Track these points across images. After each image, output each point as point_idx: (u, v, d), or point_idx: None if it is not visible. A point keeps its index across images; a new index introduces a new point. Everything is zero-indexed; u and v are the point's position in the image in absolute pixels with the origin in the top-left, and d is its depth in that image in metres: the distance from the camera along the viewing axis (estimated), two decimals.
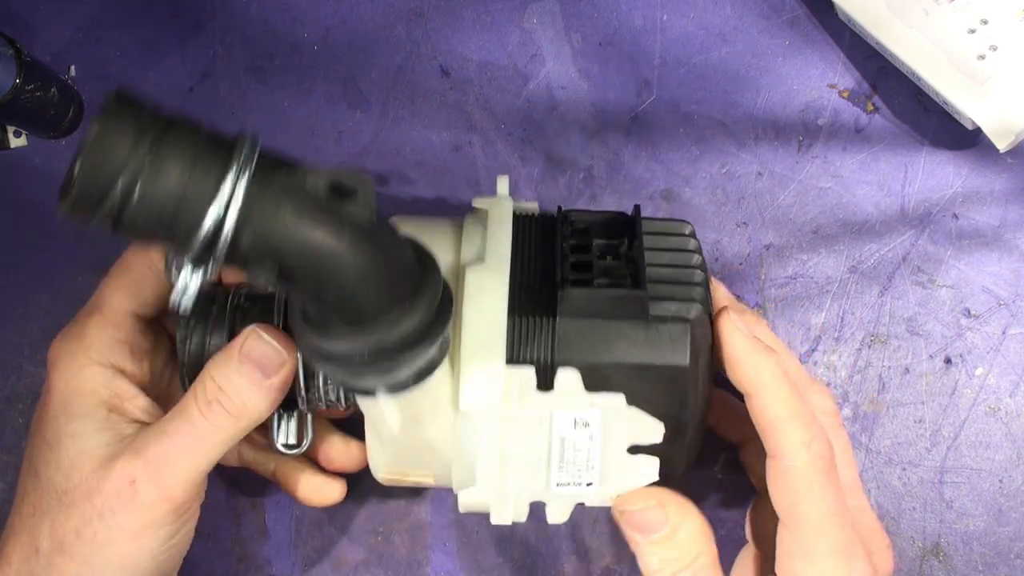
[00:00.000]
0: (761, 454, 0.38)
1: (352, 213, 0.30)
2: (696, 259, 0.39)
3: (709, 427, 0.44)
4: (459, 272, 0.37)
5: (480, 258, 0.38)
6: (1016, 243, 0.49)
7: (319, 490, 0.45)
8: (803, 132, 0.50)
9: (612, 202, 0.50)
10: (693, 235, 0.40)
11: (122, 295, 0.40)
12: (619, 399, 0.36)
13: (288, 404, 0.40)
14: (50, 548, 0.37)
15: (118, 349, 0.39)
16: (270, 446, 0.42)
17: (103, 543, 0.37)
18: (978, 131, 0.46)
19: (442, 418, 0.37)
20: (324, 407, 0.41)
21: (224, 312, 0.40)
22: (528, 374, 0.36)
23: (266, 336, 0.38)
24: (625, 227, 0.40)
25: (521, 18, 0.51)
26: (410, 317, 0.31)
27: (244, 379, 0.37)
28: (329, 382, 0.40)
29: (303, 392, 0.39)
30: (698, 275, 0.38)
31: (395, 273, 0.31)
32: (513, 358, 0.36)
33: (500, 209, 0.40)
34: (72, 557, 0.37)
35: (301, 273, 0.29)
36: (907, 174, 0.49)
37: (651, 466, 0.37)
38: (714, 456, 0.48)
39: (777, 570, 0.37)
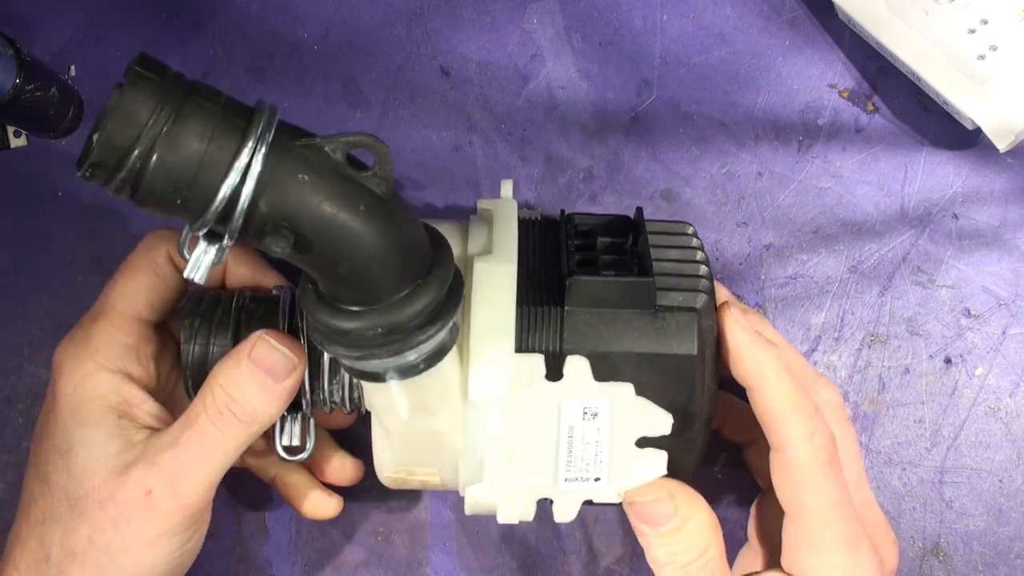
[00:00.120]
0: (766, 452, 0.38)
1: (370, 183, 0.30)
2: (700, 255, 0.39)
3: (715, 429, 0.44)
4: (467, 264, 0.37)
5: (487, 250, 0.38)
6: (1016, 243, 0.49)
7: (319, 506, 0.45)
8: (803, 132, 0.50)
9: (612, 202, 0.50)
10: (695, 235, 0.40)
11: (128, 299, 0.40)
12: (628, 389, 0.36)
13: (292, 406, 0.39)
14: (61, 556, 0.37)
15: (125, 354, 0.39)
16: (273, 451, 0.42)
17: (118, 551, 0.37)
18: (978, 131, 0.46)
19: (451, 407, 0.36)
20: (328, 410, 0.40)
21: (229, 314, 0.39)
22: (537, 362, 0.36)
23: (274, 342, 0.37)
24: (628, 227, 0.40)
25: (521, 18, 0.51)
26: (423, 295, 0.31)
27: (255, 386, 0.37)
28: (335, 380, 0.39)
29: (308, 393, 0.39)
30: (703, 269, 0.38)
31: (410, 248, 0.31)
32: (522, 347, 0.36)
33: (505, 209, 0.40)
34: (84, 565, 0.37)
35: (318, 243, 0.29)
36: (907, 174, 0.49)
37: (659, 460, 0.37)
38: (714, 456, 0.48)
39: (783, 563, 0.38)
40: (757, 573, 0.40)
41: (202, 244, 0.29)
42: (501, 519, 0.38)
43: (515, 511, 0.38)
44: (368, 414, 0.39)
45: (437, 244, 0.33)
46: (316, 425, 0.42)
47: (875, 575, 0.37)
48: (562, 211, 0.41)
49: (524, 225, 0.40)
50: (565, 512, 0.39)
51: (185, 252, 0.31)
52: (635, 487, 0.38)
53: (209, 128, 0.27)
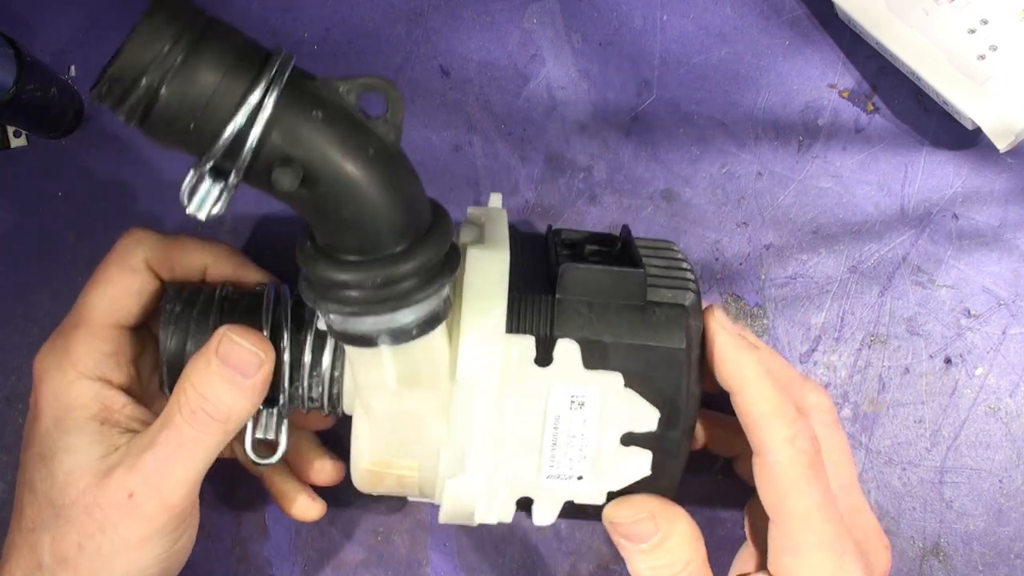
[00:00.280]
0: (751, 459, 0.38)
1: (380, 129, 0.30)
2: (686, 265, 0.40)
3: (703, 446, 0.44)
4: (461, 252, 0.37)
5: (480, 240, 0.38)
6: (1016, 243, 0.49)
7: (305, 510, 0.45)
8: (803, 132, 0.50)
9: (612, 202, 0.50)
10: (680, 252, 0.41)
11: (105, 307, 0.40)
12: (616, 378, 0.36)
13: (269, 402, 0.39)
14: (53, 562, 0.37)
15: (104, 361, 0.39)
16: (242, 455, 0.41)
17: (108, 555, 0.37)
18: (978, 131, 0.46)
19: (438, 388, 0.36)
20: (306, 409, 0.40)
21: (211, 304, 0.39)
22: (528, 343, 0.36)
23: (238, 338, 0.37)
24: (615, 241, 0.41)
25: (521, 18, 0.51)
26: (422, 251, 0.31)
27: (225, 383, 0.37)
28: (315, 374, 0.39)
29: (287, 388, 0.39)
30: (690, 274, 0.39)
31: (412, 201, 0.31)
32: (513, 331, 0.36)
33: (496, 214, 0.41)
34: (78, 571, 0.37)
35: (324, 183, 0.29)
36: (907, 174, 0.49)
37: (643, 460, 0.37)
38: (713, 457, 0.48)
39: (770, 566, 0.38)
40: (748, 575, 0.40)
41: (207, 181, 0.29)
42: (478, 519, 0.38)
43: (494, 510, 0.38)
44: (347, 417, 0.38)
45: (436, 208, 0.34)
46: (293, 427, 0.41)
47: None
48: (549, 226, 0.42)
49: (513, 232, 0.40)
50: (545, 513, 0.38)
51: (186, 197, 0.31)
52: (615, 503, 0.37)
53: (226, 61, 0.28)
